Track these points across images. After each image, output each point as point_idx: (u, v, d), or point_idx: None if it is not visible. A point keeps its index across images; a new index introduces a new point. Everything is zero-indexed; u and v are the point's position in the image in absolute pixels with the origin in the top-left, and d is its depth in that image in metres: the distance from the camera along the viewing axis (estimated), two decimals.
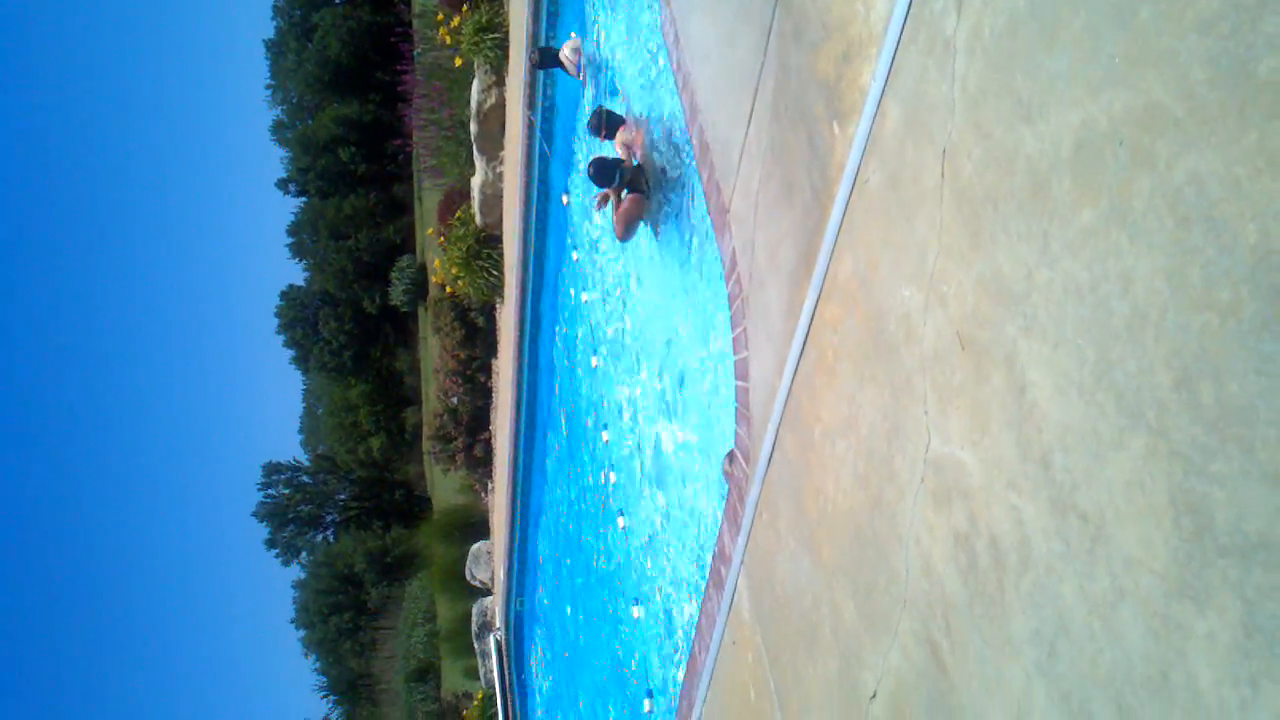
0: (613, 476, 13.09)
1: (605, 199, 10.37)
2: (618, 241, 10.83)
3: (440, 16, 19.65)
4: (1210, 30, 2.53)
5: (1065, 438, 3.15)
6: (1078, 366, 3.07)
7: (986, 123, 3.55)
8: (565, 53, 12.31)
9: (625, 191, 9.89)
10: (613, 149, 10.54)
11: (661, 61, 9.34)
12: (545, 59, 12.60)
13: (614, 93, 11.48)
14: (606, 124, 10.49)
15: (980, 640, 3.73)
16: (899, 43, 4.22)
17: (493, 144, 18.43)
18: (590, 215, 12.77)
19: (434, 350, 31.68)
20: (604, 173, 9.88)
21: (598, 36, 12.44)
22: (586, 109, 11.98)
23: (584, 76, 12.32)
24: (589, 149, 12.95)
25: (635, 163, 10.02)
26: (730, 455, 7.21)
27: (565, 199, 14.62)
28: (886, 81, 4.34)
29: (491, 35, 17.44)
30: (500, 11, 17.83)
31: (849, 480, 4.92)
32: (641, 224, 10.15)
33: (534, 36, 13.56)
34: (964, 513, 3.79)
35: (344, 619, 67.27)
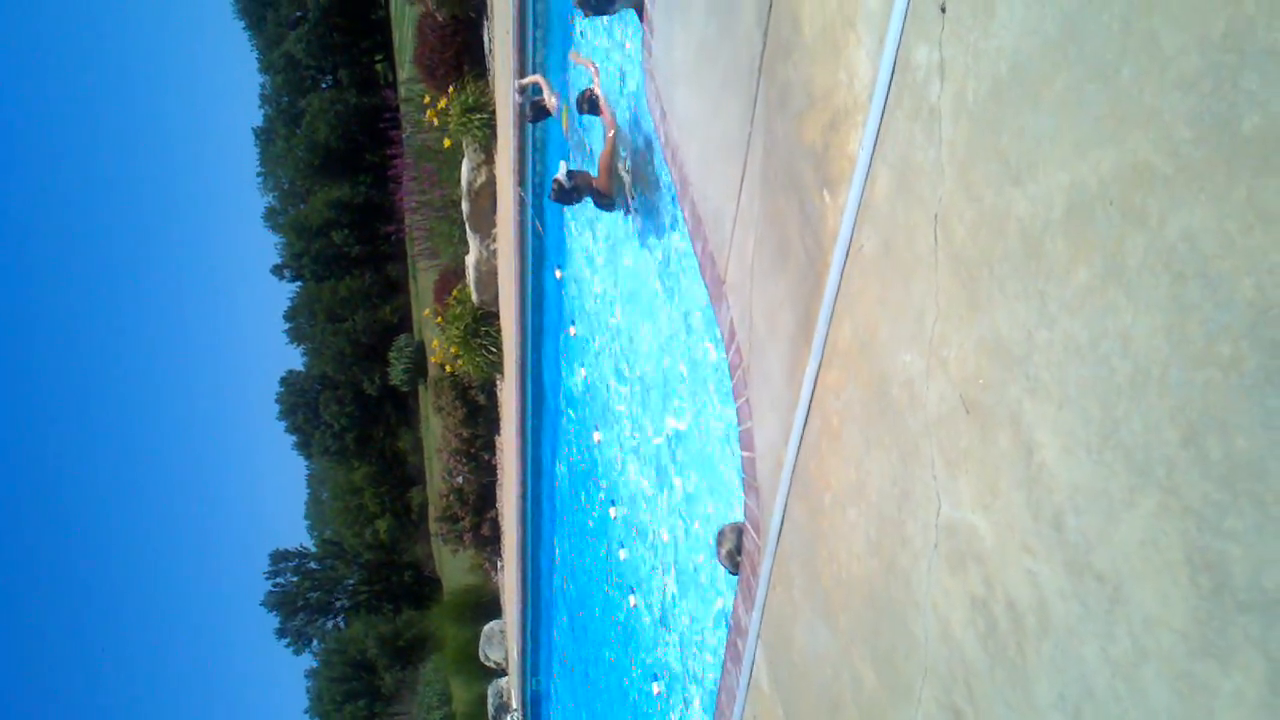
0: (623, 553, 13.02)
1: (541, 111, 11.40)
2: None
3: (427, 99, 19.88)
4: (1192, 89, 2.55)
5: (1076, 498, 3.12)
6: (1084, 426, 3.06)
7: (976, 186, 3.57)
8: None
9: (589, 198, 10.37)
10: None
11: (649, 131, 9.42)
12: (537, 112, 12.71)
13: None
14: (590, 105, 10.47)
15: (1005, 706, 3.68)
16: (884, 110, 4.25)
17: (485, 222, 18.57)
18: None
19: (436, 429, 31.67)
20: (564, 197, 10.27)
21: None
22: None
23: (572, 139, 12.45)
24: (579, 224, 13.04)
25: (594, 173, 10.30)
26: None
27: (559, 273, 14.69)
28: (874, 149, 4.37)
29: (479, 115, 17.64)
30: (486, 91, 18.05)
31: (862, 547, 4.89)
32: (647, 280, 10.31)
33: (521, 110, 13.65)
34: (979, 576, 3.76)
35: (359, 706, 66.43)
